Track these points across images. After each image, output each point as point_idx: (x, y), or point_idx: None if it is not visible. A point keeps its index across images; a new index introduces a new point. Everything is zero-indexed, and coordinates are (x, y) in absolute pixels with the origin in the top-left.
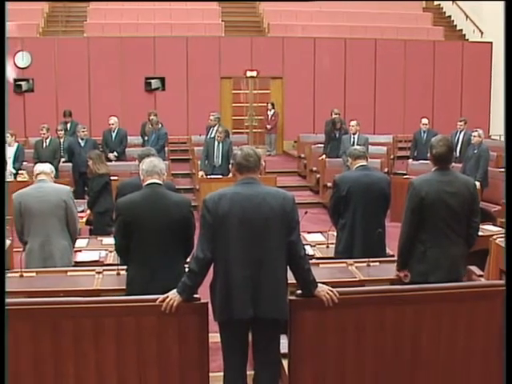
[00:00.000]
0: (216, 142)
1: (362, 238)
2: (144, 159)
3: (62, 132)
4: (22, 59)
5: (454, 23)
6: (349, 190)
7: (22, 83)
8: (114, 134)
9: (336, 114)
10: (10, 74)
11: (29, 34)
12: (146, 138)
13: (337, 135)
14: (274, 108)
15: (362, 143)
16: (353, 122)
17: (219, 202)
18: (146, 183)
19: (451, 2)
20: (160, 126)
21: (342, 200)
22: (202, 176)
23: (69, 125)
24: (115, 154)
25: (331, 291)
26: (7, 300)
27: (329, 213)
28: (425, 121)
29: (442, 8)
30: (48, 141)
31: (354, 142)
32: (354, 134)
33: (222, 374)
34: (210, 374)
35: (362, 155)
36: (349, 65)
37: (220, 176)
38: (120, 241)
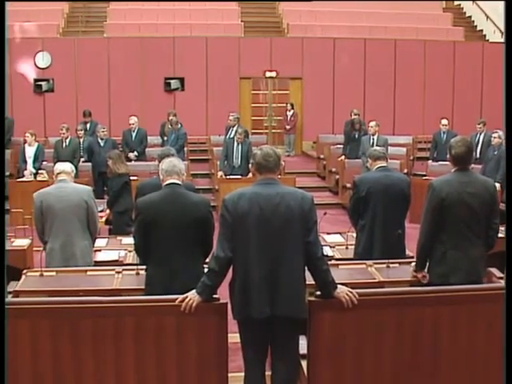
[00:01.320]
0: (235, 143)
1: (382, 239)
2: (164, 159)
3: (82, 132)
4: (43, 59)
5: (475, 23)
6: (368, 191)
7: (42, 83)
8: (134, 134)
9: (355, 115)
10: (31, 74)
11: (49, 34)
12: (165, 138)
13: (356, 136)
14: (293, 108)
15: (381, 144)
16: (372, 123)
17: (238, 201)
18: (166, 183)
19: (471, 2)
20: (179, 126)
21: (361, 201)
22: (221, 176)
23: (88, 125)
24: (135, 153)
25: (350, 292)
26: (27, 299)
27: (348, 214)
28: (444, 122)
29: (463, 8)
30: (68, 141)
31: (373, 143)
32: (373, 135)
33: (240, 374)
34: (229, 374)
35: (382, 156)
36: (368, 65)
37: (239, 176)
38: (139, 240)
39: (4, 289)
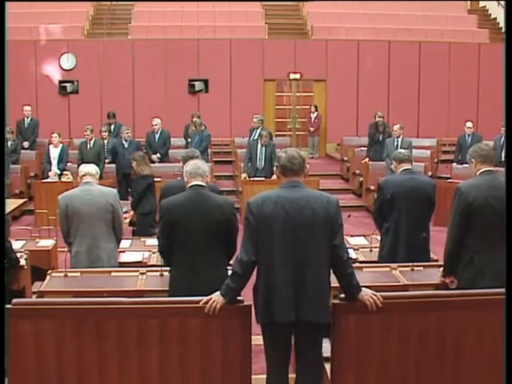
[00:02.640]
0: (259, 145)
1: (406, 242)
2: (188, 161)
3: (106, 133)
4: (67, 61)
5: (500, 25)
6: (393, 193)
7: (67, 85)
8: (157, 136)
9: (379, 117)
10: (55, 75)
11: (74, 36)
12: (189, 139)
13: (380, 138)
14: (317, 110)
15: (405, 146)
16: (396, 126)
17: (263, 204)
18: (190, 185)
19: (496, 3)
20: (203, 127)
21: (386, 204)
22: (245, 178)
23: (112, 126)
24: (158, 155)
25: (375, 295)
26: (52, 299)
27: (373, 216)
28: (469, 124)
29: (488, 10)
30: (92, 142)
31: (397, 146)
32: (397, 138)
33: (263, 376)
34: (252, 377)
35: (407, 159)
36: (392, 67)
37: (263, 178)
38: (163, 242)
39: (4, 289)
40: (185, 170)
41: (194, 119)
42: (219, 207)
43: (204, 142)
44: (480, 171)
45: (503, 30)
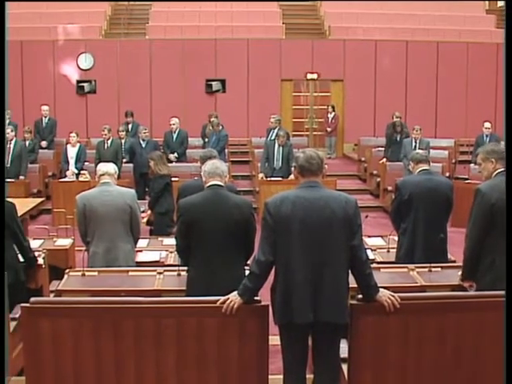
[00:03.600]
0: (276, 145)
1: (424, 242)
2: (206, 161)
3: (124, 133)
4: (85, 61)
5: None
6: (411, 194)
7: (85, 84)
8: (174, 135)
9: (397, 118)
10: (73, 75)
11: (92, 36)
12: (206, 139)
13: (397, 139)
14: (334, 111)
15: (423, 147)
16: (416, 127)
17: (281, 205)
18: (208, 185)
19: None
20: (220, 127)
21: (403, 204)
22: (262, 178)
23: (130, 126)
24: (176, 154)
25: (393, 296)
26: (70, 298)
27: (390, 217)
28: (487, 125)
29: None
30: (109, 142)
31: (415, 146)
32: (415, 138)
33: (280, 376)
34: (269, 377)
35: (425, 159)
36: (410, 68)
37: (280, 178)
38: (181, 241)
39: (4, 289)
40: (203, 170)
41: (212, 119)
42: (237, 207)
43: (221, 142)
44: (497, 172)
45: None
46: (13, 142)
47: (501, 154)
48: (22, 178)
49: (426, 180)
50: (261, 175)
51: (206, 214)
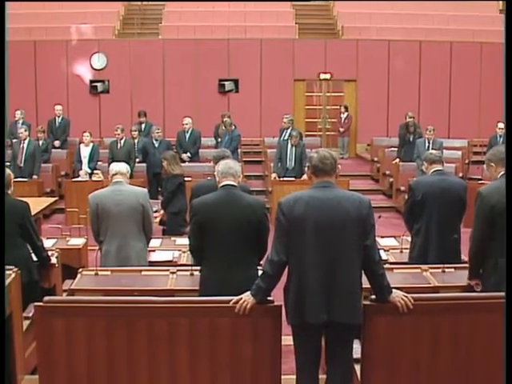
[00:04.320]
0: (289, 145)
1: (437, 243)
2: (219, 161)
3: (136, 132)
4: (98, 61)
5: None
6: (424, 194)
7: (98, 84)
8: (187, 135)
9: (410, 118)
10: (86, 75)
11: (105, 36)
12: (219, 139)
13: (411, 139)
14: (347, 111)
15: (436, 147)
16: (429, 127)
17: (294, 205)
18: (221, 184)
19: None
20: (233, 127)
21: (417, 205)
22: (275, 178)
23: (143, 125)
24: (188, 154)
25: (406, 297)
26: (83, 297)
27: (403, 217)
28: (501, 125)
29: None
30: (122, 141)
31: (428, 147)
32: (429, 139)
33: (292, 376)
34: (282, 377)
35: (438, 160)
36: (423, 68)
37: (293, 178)
38: (194, 241)
39: (4, 289)
40: (216, 170)
41: (225, 119)
42: (250, 207)
43: (234, 142)
44: (500, 174)
45: None
46: (26, 141)
47: (500, 156)
48: (35, 177)
49: (440, 180)
50: (274, 175)
51: (219, 214)
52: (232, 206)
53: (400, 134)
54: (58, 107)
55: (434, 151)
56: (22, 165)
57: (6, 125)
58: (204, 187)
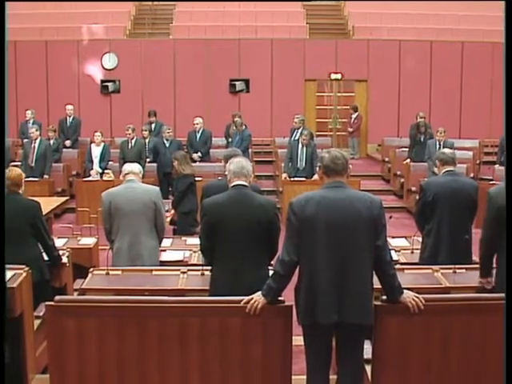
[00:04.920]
0: (300, 145)
1: (448, 244)
2: (232, 159)
3: (147, 132)
4: (109, 61)
5: None
6: (435, 195)
7: (109, 84)
8: (198, 135)
9: (421, 118)
10: (98, 75)
11: (116, 36)
12: (229, 139)
13: (421, 139)
14: (356, 111)
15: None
16: (440, 129)
17: (306, 205)
18: (233, 184)
19: None
20: (244, 127)
21: (428, 205)
22: (286, 178)
23: (153, 125)
24: (199, 154)
25: (417, 297)
26: (94, 297)
27: (414, 218)
28: None
29: None
30: (133, 141)
31: (439, 148)
32: (440, 141)
33: (303, 377)
34: (292, 377)
35: (451, 161)
36: (434, 68)
37: (303, 178)
38: (205, 241)
39: (4, 289)
40: (228, 169)
41: (235, 119)
42: (262, 207)
43: (245, 142)
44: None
45: None
46: (37, 141)
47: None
48: (46, 177)
49: (451, 181)
50: (284, 175)
51: (230, 214)
52: (243, 205)
53: (411, 134)
54: (69, 107)
55: (447, 150)
56: (33, 164)
57: (5, 125)
58: (215, 187)
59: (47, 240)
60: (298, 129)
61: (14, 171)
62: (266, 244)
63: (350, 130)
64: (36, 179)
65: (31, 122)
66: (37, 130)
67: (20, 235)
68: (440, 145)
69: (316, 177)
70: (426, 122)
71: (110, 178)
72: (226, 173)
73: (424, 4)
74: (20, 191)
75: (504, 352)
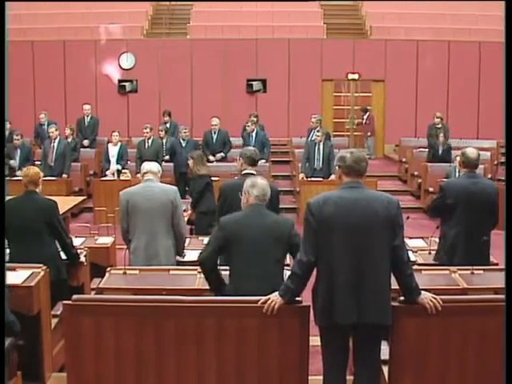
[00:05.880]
0: (317, 145)
1: (465, 246)
2: (254, 181)
3: (163, 132)
4: (127, 60)
5: None
6: (455, 197)
7: (126, 84)
8: (214, 136)
9: (437, 118)
10: (115, 74)
11: (133, 35)
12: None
13: (440, 151)
14: (366, 112)
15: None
16: (459, 153)
17: (324, 205)
18: (250, 203)
19: None
20: (256, 128)
21: (446, 207)
22: (303, 178)
23: (168, 125)
24: (222, 154)
25: (435, 298)
26: (112, 296)
27: (428, 214)
28: None
29: None
30: (150, 141)
31: (459, 176)
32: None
33: (319, 377)
34: (309, 378)
35: (473, 166)
36: (452, 68)
37: (320, 179)
38: (211, 253)
39: (4, 289)
40: (249, 189)
41: (250, 118)
42: (276, 223)
43: (266, 149)
44: None
45: None
46: (56, 140)
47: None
48: (65, 176)
49: (471, 184)
50: (301, 175)
51: (246, 231)
52: (259, 222)
53: (428, 135)
54: (87, 107)
55: (471, 153)
56: (52, 164)
57: (5, 125)
58: (234, 185)
59: (65, 238)
60: (315, 129)
61: (32, 169)
62: (283, 258)
63: (367, 132)
64: (53, 178)
65: (46, 124)
66: (56, 130)
67: (36, 234)
68: (459, 174)
69: (333, 177)
70: (444, 124)
71: (128, 178)
72: (245, 189)
73: (441, 4)
74: (37, 190)
75: (504, 352)
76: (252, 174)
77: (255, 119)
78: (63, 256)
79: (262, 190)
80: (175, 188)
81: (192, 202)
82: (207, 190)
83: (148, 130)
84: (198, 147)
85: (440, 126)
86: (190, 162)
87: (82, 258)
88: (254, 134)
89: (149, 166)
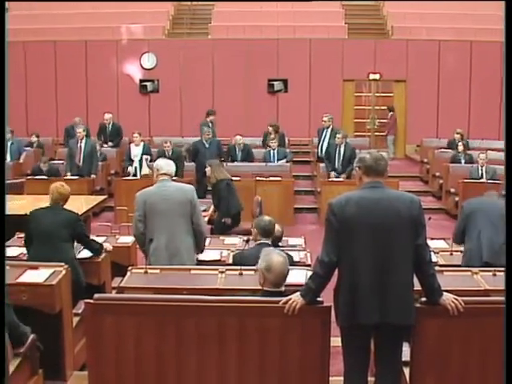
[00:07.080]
0: (338, 147)
1: (487, 248)
2: (270, 263)
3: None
4: (148, 60)
5: None
6: (473, 213)
7: (148, 84)
8: (239, 154)
9: (457, 134)
10: (136, 74)
11: (155, 35)
12: (267, 148)
13: (462, 162)
14: (391, 111)
15: (489, 177)
16: (482, 156)
17: (345, 205)
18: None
19: None
20: (275, 138)
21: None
22: (332, 177)
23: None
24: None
25: (456, 300)
26: (133, 295)
27: (452, 238)
28: None
29: None
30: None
31: (482, 175)
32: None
33: (340, 378)
34: (330, 378)
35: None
36: (474, 68)
37: (341, 179)
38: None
39: (4, 289)
40: (266, 275)
41: (269, 128)
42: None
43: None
44: None
45: None
46: (83, 141)
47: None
48: (93, 176)
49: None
50: (332, 173)
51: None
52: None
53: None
54: (107, 116)
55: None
56: (80, 164)
57: (5, 125)
58: (249, 257)
59: (88, 240)
60: (328, 128)
61: (64, 188)
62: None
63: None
64: (75, 178)
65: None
66: (84, 131)
67: (56, 241)
68: (482, 171)
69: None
70: (464, 140)
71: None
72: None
73: (463, 4)
74: (62, 203)
75: (504, 353)
76: (267, 244)
77: (275, 129)
78: (89, 253)
79: (280, 274)
80: (192, 187)
81: (215, 205)
82: (228, 191)
83: (168, 143)
84: (221, 147)
85: (460, 143)
86: (208, 169)
87: (106, 245)
88: (275, 152)
89: (162, 163)
